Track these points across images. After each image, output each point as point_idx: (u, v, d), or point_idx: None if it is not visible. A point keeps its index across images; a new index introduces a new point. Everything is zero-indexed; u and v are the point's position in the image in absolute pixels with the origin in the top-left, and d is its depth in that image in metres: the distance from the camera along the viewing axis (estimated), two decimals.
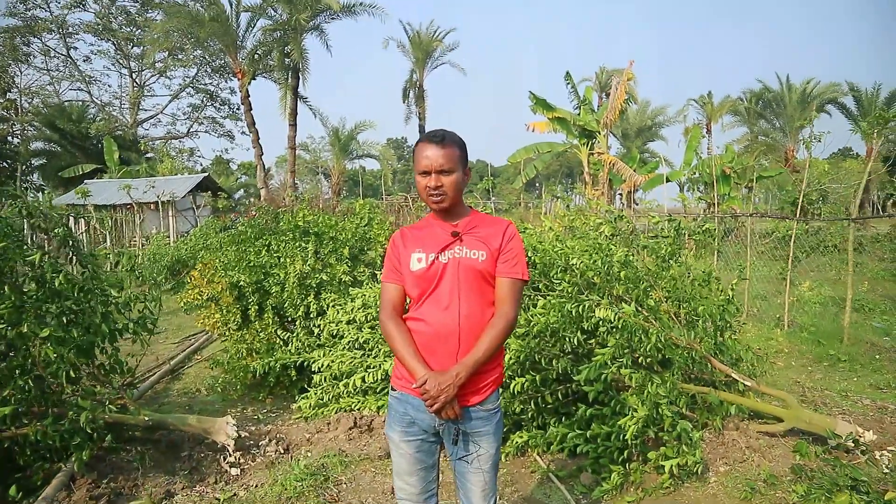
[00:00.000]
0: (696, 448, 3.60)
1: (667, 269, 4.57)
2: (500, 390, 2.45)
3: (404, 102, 35.00)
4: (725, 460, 3.83)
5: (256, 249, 6.09)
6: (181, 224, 21.44)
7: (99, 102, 39.76)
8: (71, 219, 17.35)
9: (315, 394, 5.01)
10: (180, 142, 41.83)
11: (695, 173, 18.27)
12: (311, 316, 5.53)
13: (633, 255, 4.67)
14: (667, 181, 15.22)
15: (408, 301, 2.31)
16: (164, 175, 25.75)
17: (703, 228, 4.69)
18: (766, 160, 25.98)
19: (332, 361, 4.92)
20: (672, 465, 3.49)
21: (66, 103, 37.34)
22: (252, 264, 5.79)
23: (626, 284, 4.36)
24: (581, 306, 4.03)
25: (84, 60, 41.76)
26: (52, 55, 39.08)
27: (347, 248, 5.97)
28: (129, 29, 38.18)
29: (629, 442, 3.61)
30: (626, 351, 3.99)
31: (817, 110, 28.07)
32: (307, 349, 5.42)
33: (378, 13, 25.69)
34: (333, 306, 5.40)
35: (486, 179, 25.96)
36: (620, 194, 22.41)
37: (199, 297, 5.95)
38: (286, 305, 5.52)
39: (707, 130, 34.91)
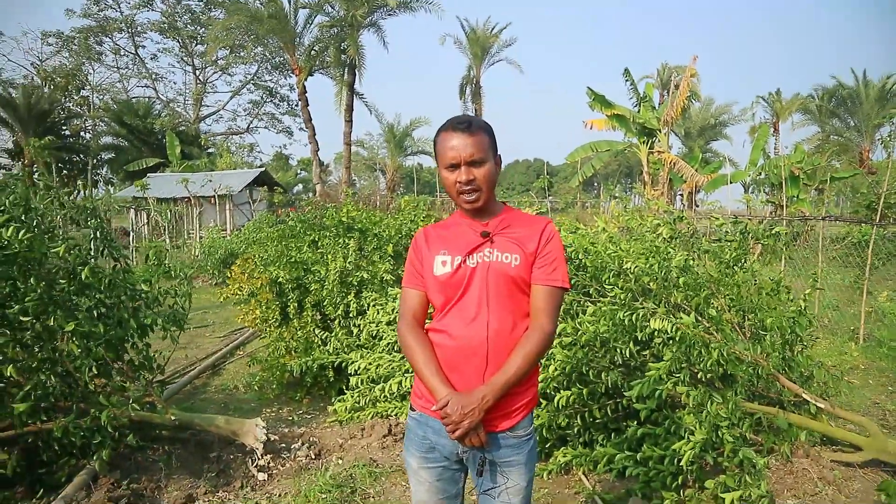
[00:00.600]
0: (760, 479, 3.22)
1: (731, 275, 4.17)
2: (534, 413, 2.15)
3: (461, 99, 34.74)
4: (794, 492, 3.44)
5: (298, 245, 5.95)
6: (238, 218, 21.77)
7: (164, 99, 41.05)
8: (132, 211, 17.81)
9: (352, 397, 4.82)
10: (240, 137, 42.75)
11: (761, 174, 17.40)
12: (351, 315, 5.34)
13: (693, 259, 4.30)
14: (730, 182, 14.50)
15: (431, 309, 2.06)
16: (223, 170, 26.25)
17: (772, 232, 4.25)
18: (838, 161, 24.63)
19: (370, 364, 4.72)
20: (734, 500, 3.12)
21: (133, 100, 38.72)
22: (293, 260, 5.65)
23: (685, 292, 4.00)
24: (635, 314, 3.69)
25: (151, 58, 43.13)
26: (122, 53, 40.56)
27: (391, 245, 5.77)
28: (193, 27, 39.22)
29: (684, 467, 3.26)
30: (683, 365, 3.64)
31: None
32: (346, 350, 5.23)
33: (434, 9, 25.57)
34: (374, 306, 5.21)
35: (542, 178, 25.47)
36: (681, 195, 21.61)
37: (239, 293, 5.84)
38: (325, 303, 5.35)
39: (775, 129, 33.40)
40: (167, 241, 19.07)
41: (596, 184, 52.40)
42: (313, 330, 5.36)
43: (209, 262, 13.86)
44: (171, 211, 18.44)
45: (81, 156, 36.90)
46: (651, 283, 4.06)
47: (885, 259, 11.13)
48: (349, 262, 5.35)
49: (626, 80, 18.89)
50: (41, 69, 37.96)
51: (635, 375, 3.83)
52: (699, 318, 3.86)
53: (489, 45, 33.92)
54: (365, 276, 5.36)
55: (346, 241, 5.65)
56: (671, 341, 3.66)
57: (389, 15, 25.30)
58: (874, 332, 7.40)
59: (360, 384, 4.78)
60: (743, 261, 4.22)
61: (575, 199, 24.76)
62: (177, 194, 20.72)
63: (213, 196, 19.27)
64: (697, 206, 19.26)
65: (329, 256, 5.55)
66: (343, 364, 5.07)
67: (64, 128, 36.81)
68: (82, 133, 38.53)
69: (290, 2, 24.68)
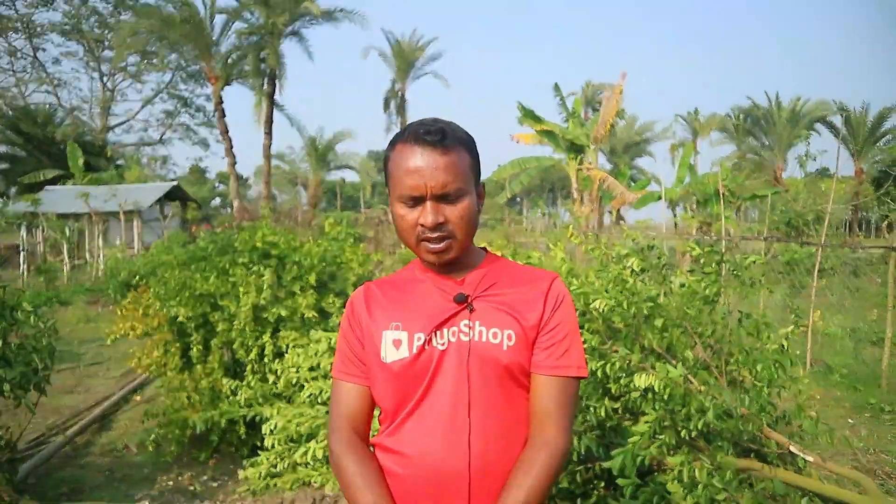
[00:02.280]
0: None
1: (709, 312, 3.67)
2: None
3: (385, 112, 34.08)
4: None
5: (204, 274, 5.09)
6: (147, 235, 20.26)
7: (67, 106, 38.31)
8: (24, 227, 16.14)
9: (267, 459, 4.02)
10: (152, 149, 40.45)
11: (687, 191, 17.56)
12: (267, 359, 4.54)
13: (665, 294, 3.78)
14: (665, 199, 14.47)
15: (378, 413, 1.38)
16: (132, 183, 24.51)
17: (748, 262, 3.80)
18: (755, 179, 25.48)
19: (289, 421, 3.93)
20: None
21: (32, 106, 35.91)
22: (197, 293, 4.79)
23: (659, 334, 3.48)
24: (609, 365, 3.11)
25: (53, 62, 40.33)
26: (19, 56, 37.62)
27: (314, 274, 5.01)
28: (100, 31, 36.85)
29: None
30: (666, 424, 3.09)
31: (806, 128, 27.71)
32: (260, 400, 4.41)
33: (359, 20, 24.84)
34: (294, 347, 4.43)
35: None
36: (610, 212, 21.68)
37: (132, 332, 4.92)
38: (235, 346, 4.53)
39: (694, 148, 34.46)
40: (66, 260, 17.42)
41: (518, 199, 52.77)
42: (220, 377, 4.51)
43: (111, 285, 12.54)
44: (69, 227, 16.82)
45: None
46: (619, 323, 3.52)
47: (804, 277, 11.20)
48: (263, 297, 4.54)
49: (556, 96, 18.79)
50: None
51: (610, 436, 3.26)
52: (672, 362, 3.36)
53: (415, 59, 33.47)
54: (283, 312, 4.57)
55: (262, 270, 4.85)
56: (650, 395, 3.12)
57: (312, 24, 24.40)
58: (820, 355, 7.20)
59: (276, 444, 3.99)
60: (719, 295, 3.75)
61: (503, 216, 24.47)
62: (77, 209, 19.05)
63: (120, 212, 17.77)
64: (623, 221, 19.30)
65: (241, 289, 4.73)
66: (257, 418, 4.26)
67: None
68: None
69: (205, 7, 23.40)
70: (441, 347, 1.27)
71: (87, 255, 17.79)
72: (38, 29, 36.66)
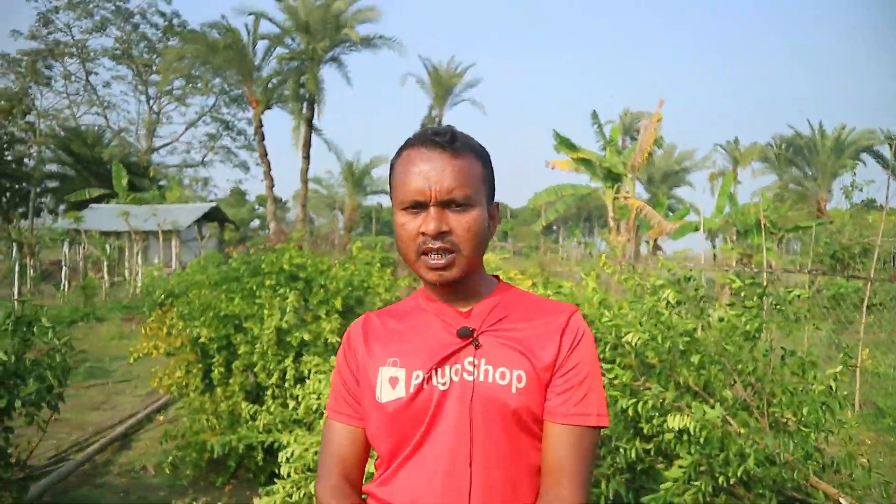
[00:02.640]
0: None
1: (749, 349, 3.45)
2: None
3: None
4: None
5: (230, 295, 5.05)
6: (185, 255, 20.58)
7: (115, 128, 39.55)
8: (66, 244, 16.54)
9: (283, 488, 3.89)
10: (194, 170, 41.39)
11: (727, 222, 17.15)
12: (288, 384, 4.44)
13: (703, 328, 3.58)
14: (703, 229, 14.11)
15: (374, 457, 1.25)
16: (172, 203, 25.02)
17: (792, 296, 3.58)
18: (798, 209, 24.82)
19: (305, 449, 3.81)
20: None
21: (82, 127, 37.16)
22: (221, 314, 4.74)
23: (694, 371, 3.28)
24: (641, 403, 2.93)
25: (104, 86, 41.74)
26: (73, 79, 39.09)
27: (340, 298, 4.92)
28: (148, 56, 38.12)
29: None
30: (703, 469, 2.89)
31: (852, 158, 26.94)
32: (279, 426, 4.31)
33: (397, 47, 25.14)
34: (316, 373, 4.32)
35: (504, 221, 24.96)
36: (647, 241, 21.30)
37: (154, 351, 4.88)
38: (257, 369, 4.45)
39: (734, 177, 33.79)
40: (105, 277, 17.77)
41: (555, 228, 52.40)
42: (240, 401, 4.42)
43: (146, 303, 12.69)
44: (110, 245, 17.18)
45: (23, 184, 35.06)
46: (653, 358, 3.33)
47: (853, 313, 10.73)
48: (285, 321, 4.45)
49: (594, 124, 18.60)
50: None
51: (641, 479, 3.06)
52: (709, 401, 3.16)
53: (452, 85, 33.68)
54: (306, 336, 4.48)
55: (287, 292, 4.78)
56: (685, 436, 2.92)
57: (352, 50, 24.78)
58: (868, 396, 6.82)
59: (292, 473, 3.87)
60: (761, 331, 3.53)
61: (538, 243, 24.21)
62: (119, 227, 19.48)
63: (158, 231, 18.10)
64: (662, 252, 18.91)
65: (265, 311, 4.67)
66: (276, 444, 4.15)
67: (6, 153, 35.02)
68: (26, 160, 36.77)
69: (248, 33, 23.96)
70: (442, 387, 1.13)
71: (126, 273, 18.11)
72: (91, 54, 38.16)
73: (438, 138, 1.12)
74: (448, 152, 1.12)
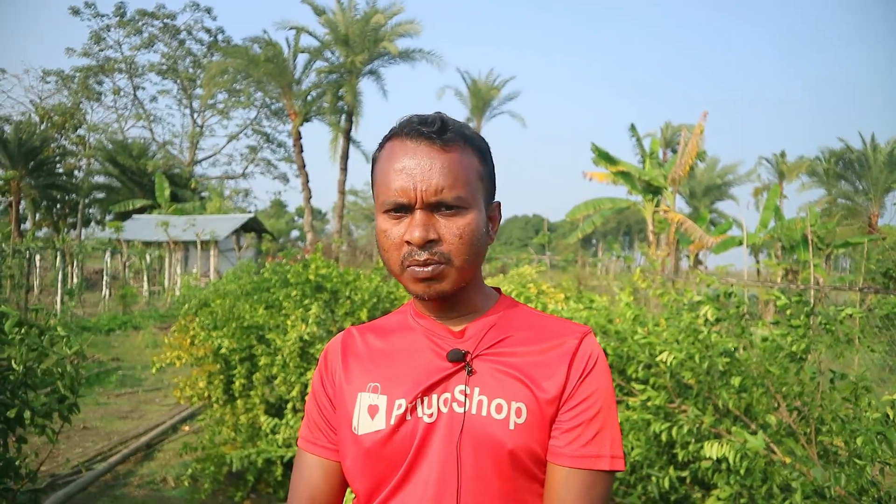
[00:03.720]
0: None
1: (796, 371, 3.20)
2: None
3: None
4: None
5: (254, 305, 4.99)
6: (223, 265, 20.85)
7: (160, 141, 40.58)
8: (108, 253, 16.89)
9: None
10: (235, 182, 42.14)
11: (772, 236, 16.58)
12: None
13: (744, 348, 3.34)
14: (746, 244, 13.65)
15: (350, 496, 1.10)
16: (212, 214, 25.45)
17: (843, 315, 3.31)
18: (847, 225, 23.94)
19: None
20: None
21: (129, 140, 38.23)
22: (245, 324, 4.67)
23: (735, 394, 3.05)
24: (676, 427, 2.71)
25: (150, 100, 42.97)
26: (122, 94, 40.31)
27: (366, 309, 4.82)
28: (193, 70, 39.11)
29: None
30: (743, 501, 2.66)
31: None
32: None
33: (436, 61, 25.21)
34: None
35: (542, 234, 24.67)
36: (687, 256, 20.76)
37: (177, 361, 4.83)
38: (277, 381, 4.35)
39: (779, 191, 32.85)
40: (145, 286, 18.10)
41: (594, 241, 51.70)
42: (260, 414, 4.33)
43: (182, 312, 12.84)
44: (149, 255, 17.49)
45: (72, 195, 36.20)
46: (689, 379, 3.11)
47: None
48: (308, 332, 4.34)
49: (632, 136, 18.28)
50: (39, 107, 37.64)
51: None
52: (751, 426, 2.93)
53: (491, 98, 33.65)
54: None
55: (311, 303, 4.69)
56: (724, 465, 2.69)
57: (390, 63, 24.94)
58: None
59: None
60: (808, 351, 3.28)
61: (575, 256, 23.84)
62: (159, 238, 19.86)
63: (197, 241, 18.38)
64: (703, 267, 18.40)
65: (289, 322, 4.58)
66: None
67: (58, 166, 36.23)
68: (76, 172, 37.98)
69: (289, 47, 24.33)
70: (428, 420, 0.96)
71: (165, 282, 18.41)
72: (139, 69, 39.34)
73: (425, 128, 0.95)
74: (437, 145, 0.95)
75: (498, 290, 1.12)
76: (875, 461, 2.97)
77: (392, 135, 1.00)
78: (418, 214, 0.95)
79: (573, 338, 1.01)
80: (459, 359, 0.99)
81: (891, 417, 3.09)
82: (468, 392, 0.97)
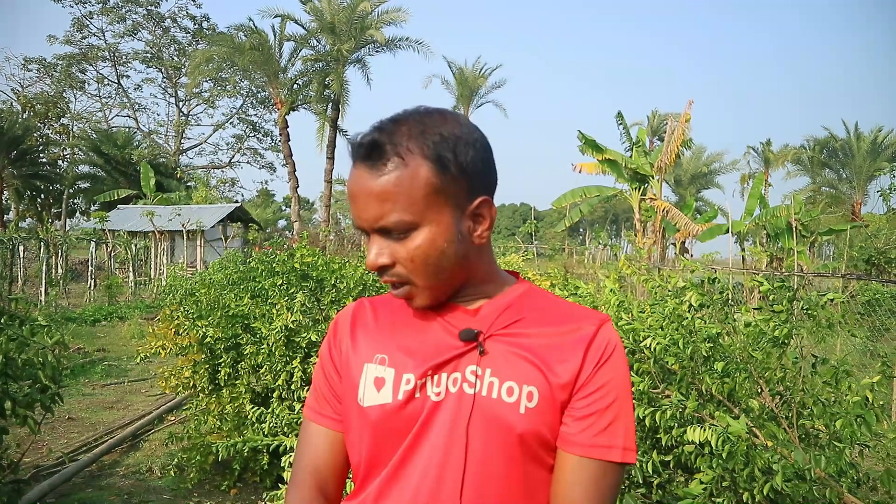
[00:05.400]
0: None
1: (778, 356, 3.23)
2: None
3: None
4: None
5: (239, 294, 4.96)
6: (210, 255, 20.72)
7: (145, 130, 40.17)
8: (93, 244, 16.74)
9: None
10: (222, 171, 41.84)
11: (757, 224, 16.72)
12: (295, 386, 4.32)
13: (728, 334, 3.37)
14: (731, 232, 13.74)
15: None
16: (198, 203, 25.27)
17: (825, 300, 3.34)
18: (831, 213, 24.18)
19: None
20: None
21: (113, 129, 37.81)
22: (230, 313, 4.65)
23: (718, 379, 3.07)
24: (660, 413, 2.74)
25: (135, 89, 42.49)
26: (105, 83, 39.81)
27: (351, 298, 4.81)
28: (178, 59, 38.68)
29: None
30: (725, 484, 2.69)
31: (889, 161, 26.16)
32: (286, 429, 4.19)
33: (423, 49, 25.11)
34: None
35: (529, 223, 24.74)
36: (673, 244, 20.89)
37: (162, 351, 4.80)
38: (262, 371, 4.33)
39: (765, 179, 33.11)
40: (131, 276, 17.96)
41: (582, 230, 51.86)
42: (246, 403, 4.32)
43: (167, 303, 12.76)
44: (135, 245, 17.35)
45: (56, 185, 35.80)
46: (674, 365, 3.14)
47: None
48: (293, 321, 4.33)
49: (619, 124, 18.29)
50: (21, 95, 37.09)
51: (657, 493, 2.87)
52: (734, 410, 2.97)
53: (477, 87, 33.56)
54: (314, 336, 4.36)
55: (297, 291, 4.68)
56: (707, 449, 2.72)
57: (377, 52, 24.80)
58: None
59: None
60: (791, 337, 3.31)
61: (562, 245, 23.93)
62: (145, 227, 19.70)
63: (183, 231, 18.25)
64: (691, 255, 18.51)
65: (274, 311, 4.56)
66: (282, 448, 4.03)
67: (41, 155, 35.79)
68: (60, 161, 37.55)
69: (275, 35, 24.12)
70: (436, 398, 0.94)
71: (151, 273, 18.28)
72: (123, 58, 38.83)
73: (357, 152, 0.93)
74: (370, 170, 0.91)
75: (515, 273, 1.09)
76: (854, 443, 3.02)
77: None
78: (372, 238, 0.95)
79: (590, 324, 0.98)
80: (472, 338, 0.96)
81: (870, 400, 3.13)
82: (479, 373, 0.95)
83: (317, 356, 4.39)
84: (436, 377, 0.95)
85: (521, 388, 0.93)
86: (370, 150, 0.91)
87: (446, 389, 0.94)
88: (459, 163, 0.93)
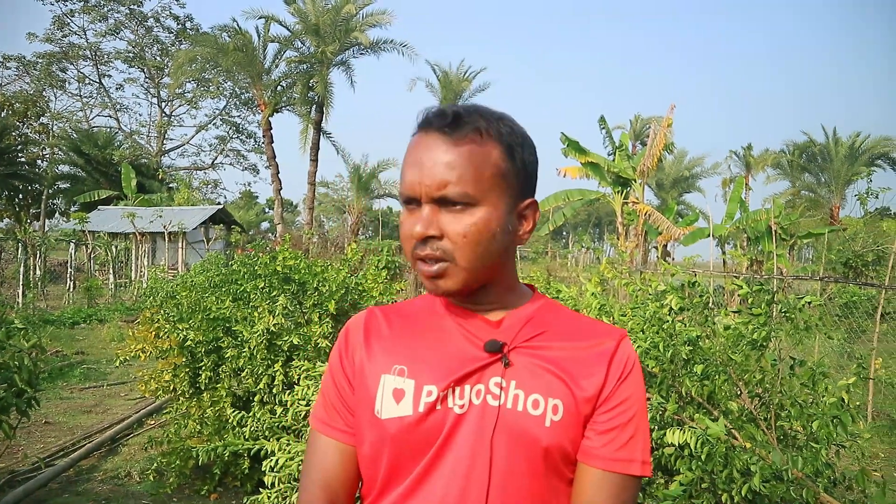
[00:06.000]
0: None
1: (757, 358, 3.27)
2: None
3: None
4: None
5: (220, 297, 4.93)
6: (192, 257, 20.54)
7: (127, 130, 39.73)
8: (72, 245, 16.53)
9: (268, 499, 3.74)
10: (204, 173, 41.49)
11: (738, 227, 16.89)
12: (276, 390, 4.29)
13: (707, 337, 3.40)
14: (712, 236, 13.86)
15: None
16: (180, 205, 25.05)
17: (802, 303, 3.39)
18: (809, 216, 24.50)
19: (290, 458, 3.66)
20: None
21: (94, 129, 37.35)
22: (211, 316, 4.61)
23: (698, 381, 3.10)
24: None
25: (117, 89, 42.01)
26: (87, 82, 39.34)
27: (334, 301, 4.78)
28: (161, 59, 38.31)
29: None
30: (705, 486, 2.71)
31: (866, 165, 26.57)
32: (266, 433, 4.16)
33: (407, 52, 25.09)
34: (306, 378, 4.18)
35: None
36: (656, 247, 21.05)
37: (141, 354, 4.75)
38: (243, 374, 4.30)
39: (746, 184, 33.49)
40: (112, 278, 17.76)
41: (565, 233, 52.09)
42: (227, 407, 4.28)
43: (148, 305, 12.63)
44: (115, 246, 17.15)
45: (35, 185, 35.29)
46: (654, 368, 3.16)
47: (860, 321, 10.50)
48: (275, 324, 4.30)
49: (602, 128, 18.43)
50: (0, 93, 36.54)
51: (637, 497, 2.89)
52: (713, 413, 3.00)
53: (462, 90, 33.56)
54: (296, 340, 4.34)
55: (279, 294, 4.65)
56: (686, 451, 2.74)
57: (361, 54, 24.76)
58: (881, 407, 6.60)
59: (277, 483, 3.72)
60: (769, 339, 3.35)
61: (545, 248, 24.00)
62: (126, 229, 19.50)
63: (164, 233, 18.07)
64: (673, 258, 18.67)
65: (256, 314, 4.53)
66: (263, 452, 4.00)
67: (20, 155, 35.26)
68: (39, 161, 37.02)
69: (259, 36, 23.99)
70: (459, 410, 0.93)
71: (132, 275, 18.09)
72: (105, 57, 38.38)
73: (439, 121, 0.92)
74: (448, 138, 0.91)
75: (531, 286, 1.09)
76: (831, 444, 3.06)
77: (416, 127, 0.98)
78: (424, 209, 0.92)
79: (611, 339, 0.99)
80: (497, 350, 0.95)
81: (846, 402, 3.18)
82: (504, 385, 0.94)
83: (298, 360, 4.39)
84: (457, 389, 0.94)
85: (546, 401, 0.93)
86: (455, 119, 0.92)
87: (469, 401, 0.93)
88: (523, 158, 0.96)
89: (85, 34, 37.54)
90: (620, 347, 0.98)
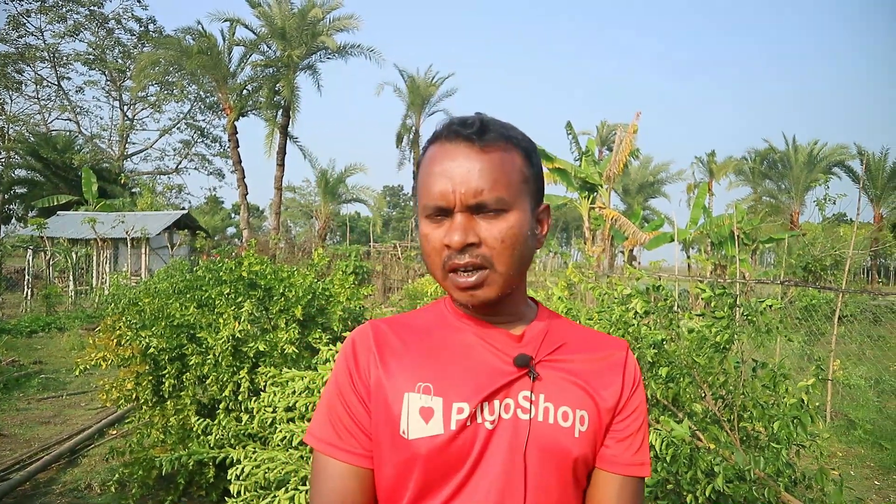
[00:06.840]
0: None
1: (719, 361, 3.33)
2: None
3: (398, 147, 34.07)
4: None
5: (185, 303, 4.84)
6: (155, 263, 20.15)
7: (87, 134, 38.82)
8: (30, 252, 16.08)
9: None
10: (168, 178, 40.74)
11: (701, 232, 17.22)
12: (242, 397, 4.23)
13: (671, 340, 3.45)
14: (678, 240, 14.12)
15: None
16: (143, 210, 24.55)
17: (763, 307, 3.46)
18: (771, 221, 25.09)
19: (256, 466, 3.60)
20: None
21: (53, 133, 36.41)
22: (175, 323, 4.53)
23: (663, 384, 3.15)
24: None
25: (76, 91, 41.05)
26: (45, 84, 38.34)
27: (300, 307, 4.73)
28: (123, 61, 37.53)
29: None
30: (670, 487, 2.75)
31: (824, 172, 27.35)
32: (232, 441, 4.10)
33: (375, 56, 25.05)
34: (272, 385, 4.12)
35: None
36: (622, 252, 21.33)
37: (102, 363, 4.64)
38: (208, 381, 4.23)
39: (709, 189, 34.19)
40: (72, 285, 17.32)
41: None
42: (191, 415, 4.20)
43: (109, 312, 12.33)
44: (76, 253, 16.73)
45: None
46: None
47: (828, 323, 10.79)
48: (240, 330, 4.24)
49: (568, 134, 18.61)
50: None
51: None
52: (678, 415, 3.04)
53: (429, 95, 33.60)
54: (262, 346, 4.28)
55: (245, 300, 4.58)
56: (651, 453, 2.78)
57: (328, 58, 24.63)
58: (839, 408, 6.77)
59: (243, 491, 3.66)
60: (732, 342, 3.42)
61: None
62: (87, 235, 19.03)
63: (127, 238, 17.69)
64: (639, 263, 18.92)
65: (221, 320, 4.46)
66: (228, 461, 3.94)
67: None
68: None
69: (224, 39, 23.70)
70: (489, 426, 0.92)
71: (93, 282, 17.66)
72: (64, 59, 37.44)
73: (465, 130, 0.92)
74: (476, 146, 0.91)
75: (533, 299, 1.10)
76: (791, 444, 3.13)
77: (433, 138, 0.97)
78: (458, 217, 0.91)
79: (620, 350, 1.03)
80: (525, 364, 0.95)
81: (805, 402, 3.25)
82: (532, 398, 0.94)
83: (264, 366, 4.33)
84: (486, 404, 0.92)
85: (574, 413, 0.94)
86: (482, 128, 0.93)
87: (499, 416, 0.92)
88: (537, 165, 1.00)
89: (42, 35, 36.61)
90: (629, 358, 1.03)
